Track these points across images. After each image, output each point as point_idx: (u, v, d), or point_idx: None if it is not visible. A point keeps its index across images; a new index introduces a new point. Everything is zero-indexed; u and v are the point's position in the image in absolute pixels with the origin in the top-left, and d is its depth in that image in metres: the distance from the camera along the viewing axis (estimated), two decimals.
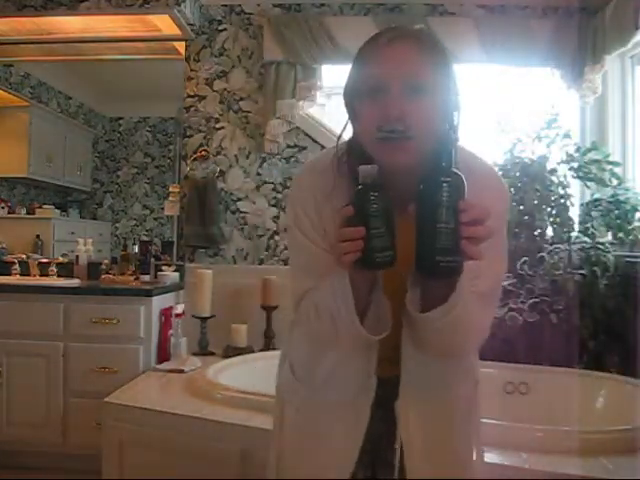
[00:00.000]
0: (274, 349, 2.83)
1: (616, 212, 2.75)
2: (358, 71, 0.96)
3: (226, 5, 3.27)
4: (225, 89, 3.28)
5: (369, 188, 0.85)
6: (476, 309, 0.92)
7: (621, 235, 2.73)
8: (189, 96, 3.29)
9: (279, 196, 3.25)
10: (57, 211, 3.76)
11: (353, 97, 0.97)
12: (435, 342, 0.97)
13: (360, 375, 1.05)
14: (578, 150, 2.87)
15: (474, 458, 1.11)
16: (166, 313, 2.85)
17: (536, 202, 2.72)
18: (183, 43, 3.30)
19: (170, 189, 3.47)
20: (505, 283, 2.67)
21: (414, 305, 0.93)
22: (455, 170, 0.85)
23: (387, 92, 0.90)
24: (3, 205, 3.61)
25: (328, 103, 3.27)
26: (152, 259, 3.21)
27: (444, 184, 0.83)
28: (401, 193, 0.89)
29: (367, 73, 0.94)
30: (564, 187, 2.76)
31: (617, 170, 2.86)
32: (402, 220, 0.86)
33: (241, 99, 3.27)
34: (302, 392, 1.11)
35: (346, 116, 1.01)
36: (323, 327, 0.97)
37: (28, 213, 3.68)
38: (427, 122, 0.91)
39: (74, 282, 3.01)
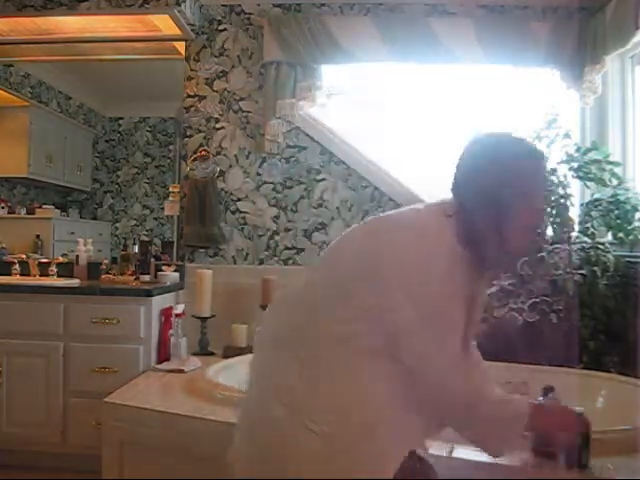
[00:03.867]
0: None
1: (616, 212, 2.75)
2: (521, 182, 1.10)
3: (226, 5, 3.27)
4: (225, 89, 3.28)
5: None
6: None
7: (621, 235, 2.73)
8: (189, 96, 3.29)
9: (279, 196, 3.25)
10: (57, 211, 3.77)
11: (513, 200, 1.09)
12: None
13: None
14: (578, 150, 2.87)
15: None
16: (166, 313, 2.85)
17: None
18: (183, 43, 3.30)
19: (170, 189, 3.47)
20: (505, 283, 2.67)
21: None
22: None
23: (542, 204, 1.16)
24: (3, 205, 3.61)
25: (328, 103, 3.27)
26: (152, 259, 3.21)
27: None
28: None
29: (531, 187, 1.12)
30: (564, 187, 2.76)
31: (617, 170, 2.86)
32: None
33: (241, 99, 3.28)
34: None
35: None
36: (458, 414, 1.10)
37: (28, 213, 3.68)
38: None
39: (74, 282, 3.01)
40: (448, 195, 1.19)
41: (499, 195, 1.07)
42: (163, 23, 3.11)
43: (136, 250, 3.33)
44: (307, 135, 3.24)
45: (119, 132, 4.00)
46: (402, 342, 1.04)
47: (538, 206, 1.12)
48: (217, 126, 3.28)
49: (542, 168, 1.16)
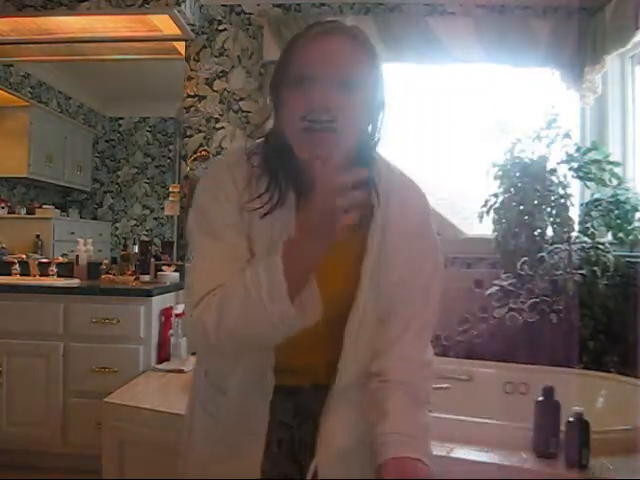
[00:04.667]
0: None
1: (616, 212, 2.75)
2: (288, 60, 0.94)
3: (226, 5, 3.27)
4: (225, 89, 3.28)
5: None
6: None
7: (621, 235, 2.73)
8: (189, 96, 3.29)
9: None
10: (57, 211, 3.77)
11: (280, 86, 0.95)
12: None
13: (257, 380, 1.01)
14: (578, 150, 2.87)
15: None
16: (166, 313, 2.85)
17: (536, 202, 2.71)
18: (183, 43, 3.30)
19: (170, 189, 3.47)
20: (505, 283, 2.67)
21: None
22: None
23: (316, 82, 0.89)
24: (3, 205, 3.61)
25: None
26: (152, 259, 3.21)
27: None
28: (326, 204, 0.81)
29: (298, 62, 0.92)
30: (564, 187, 2.76)
31: (617, 170, 2.86)
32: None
33: (241, 99, 3.27)
34: (218, 399, 1.06)
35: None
36: (244, 321, 0.88)
37: (28, 213, 3.68)
38: (352, 117, 0.91)
39: (74, 282, 3.01)
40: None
41: (274, 81, 0.97)
42: (163, 23, 3.11)
43: (136, 250, 3.33)
44: None
45: (119, 132, 4.00)
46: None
47: (301, 91, 0.89)
48: (217, 126, 3.28)
49: (309, 47, 0.91)
